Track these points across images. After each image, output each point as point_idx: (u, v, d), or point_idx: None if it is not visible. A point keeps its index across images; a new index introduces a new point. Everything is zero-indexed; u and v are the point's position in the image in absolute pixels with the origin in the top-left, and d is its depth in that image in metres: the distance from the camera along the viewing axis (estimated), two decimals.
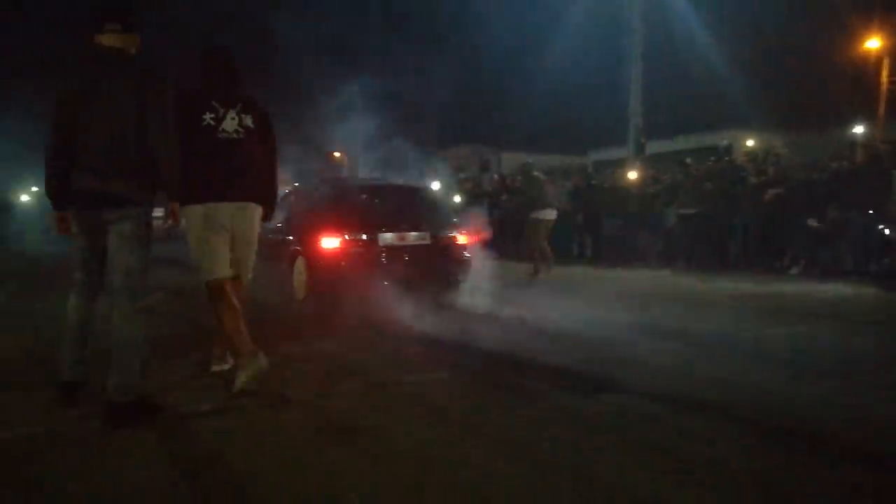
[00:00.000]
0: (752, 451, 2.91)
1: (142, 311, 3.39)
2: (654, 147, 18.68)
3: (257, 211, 4.11)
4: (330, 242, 6.57)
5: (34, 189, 34.18)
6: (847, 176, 10.00)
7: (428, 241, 7.02)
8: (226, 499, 2.48)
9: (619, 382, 4.00)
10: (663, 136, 21.15)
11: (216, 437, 3.12)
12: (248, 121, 4.04)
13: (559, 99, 29.55)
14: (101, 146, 3.31)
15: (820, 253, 10.32)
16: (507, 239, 14.34)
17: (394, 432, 3.15)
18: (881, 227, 9.39)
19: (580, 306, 7.12)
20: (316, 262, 6.66)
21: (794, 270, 10.19)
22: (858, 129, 19.75)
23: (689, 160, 13.03)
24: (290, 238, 7.22)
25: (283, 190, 8.48)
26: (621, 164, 17.30)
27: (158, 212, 4.43)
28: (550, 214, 10.44)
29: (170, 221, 3.61)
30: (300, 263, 6.95)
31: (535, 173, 10.80)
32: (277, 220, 6.85)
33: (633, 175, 15.14)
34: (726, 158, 12.89)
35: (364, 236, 6.68)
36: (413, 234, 6.97)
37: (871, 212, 9.47)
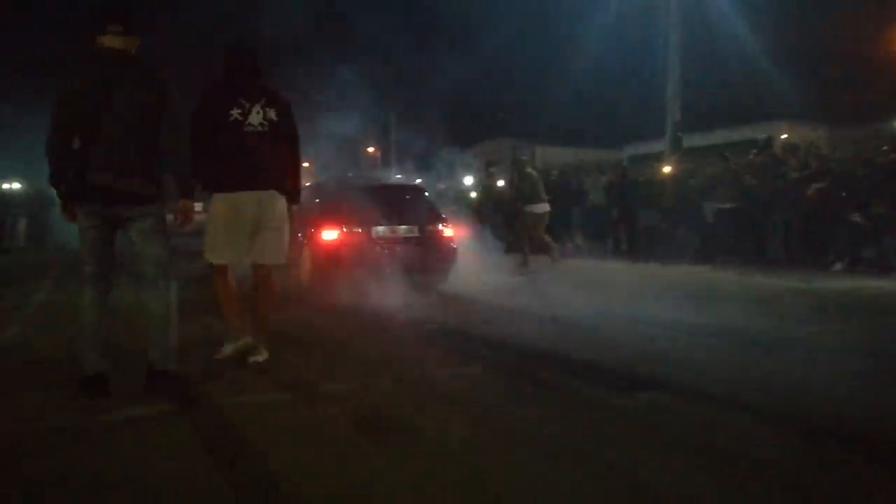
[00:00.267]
0: (791, 452, 2.82)
1: (172, 290, 3.70)
2: (690, 140, 18.34)
3: (281, 199, 4.35)
4: (330, 234, 7.64)
5: None
6: (892, 170, 9.70)
7: (416, 234, 8.05)
8: (258, 492, 2.49)
9: (656, 379, 3.93)
10: (701, 130, 20.74)
11: (249, 429, 3.13)
12: (272, 114, 4.28)
13: (595, 92, 29.17)
14: (116, 145, 3.43)
15: (864, 249, 10.01)
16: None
17: (428, 429, 3.13)
18: None
19: (615, 302, 7.03)
20: (318, 251, 7.68)
21: (837, 267, 9.91)
22: None
23: (727, 154, 12.79)
24: (299, 230, 7.95)
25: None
26: (658, 158, 17.04)
27: (198, 206, 4.70)
28: (543, 208, 10.92)
29: (181, 219, 3.85)
30: (306, 252, 7.89)
31: (528, 169, 11.34)
32: None
33: (669, 169, 14.93)
34: (767, 152, 12.61)
35: (359, 229, 7.74)
36: (403, 227, 8.02)
37: None
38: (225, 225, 4.28)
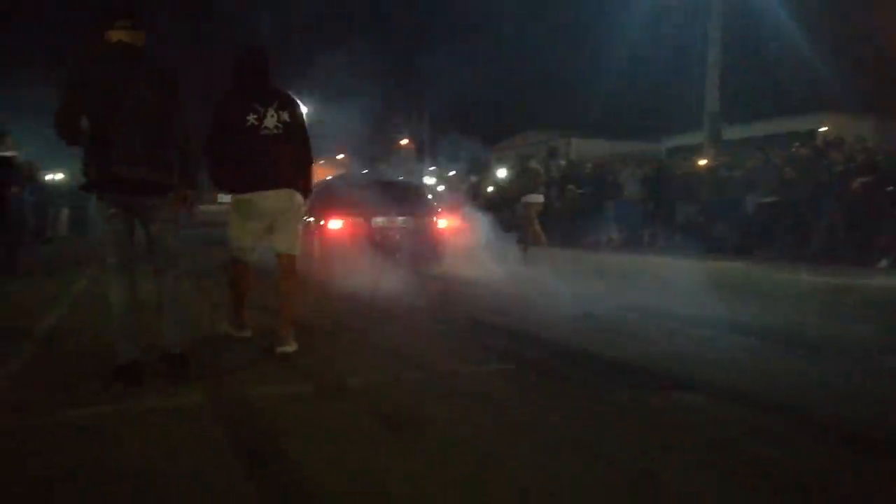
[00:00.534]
0: (829, 458, 2.70)
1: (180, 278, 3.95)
2: (730, 133, 17.93)
3: (297, 195, 4.58)
4: (335, 224, 8.82)
5: None
6: None
7: (412, 225, 9.21)
8: (280, 485, 2.46)
9: (689, 379, 3.81)
10: (740, 121, 20.23)
11: (274, 422, 3.11)
12: (285, 116, 4.48)
13: (633, 84, 28.66)
14: (136, 136, 3.52)
15: None
16: (564, 226, 14.52)
17: (453, 426, 3.07)
18: None
19: (651, 299, 6.88)
20: (325, 239, 8.76)
21: (883, 263, 9.58)
22: None
23: (767, 147, 12.48)
24: (311, 221, 9.04)
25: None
26: (697, 151, 16.71)
27: (226, 198, 4.86)
28: (538, 199, 12.38)
29: (185, 208, 3.92)
30: (316, 240, 8.86)
31: (533, 165, 12.67)
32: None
33: (707, 161, 14.63)
34: (811, 144, 12.25)
35: (361, 220, 8.91)
36: (400, 218, 9.16)
37: None
38: (246, 222, 4.55)
